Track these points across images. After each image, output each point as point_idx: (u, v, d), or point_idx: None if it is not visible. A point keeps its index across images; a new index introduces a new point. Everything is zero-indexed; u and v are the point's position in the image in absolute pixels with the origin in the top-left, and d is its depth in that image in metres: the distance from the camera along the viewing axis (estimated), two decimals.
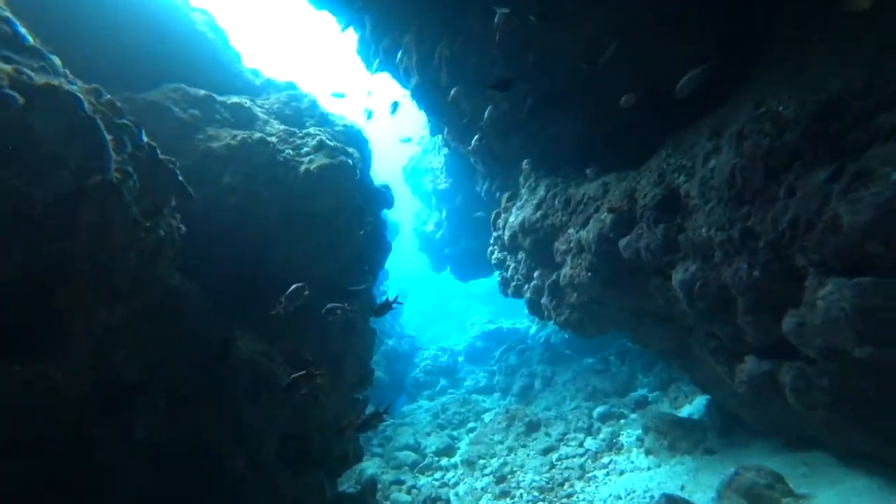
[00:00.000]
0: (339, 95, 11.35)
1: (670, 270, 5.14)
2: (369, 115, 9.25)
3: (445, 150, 14.14)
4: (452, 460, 11.73)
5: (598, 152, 6.83)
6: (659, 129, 5.89)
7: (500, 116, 6.70)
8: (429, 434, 13.22)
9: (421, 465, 11.67)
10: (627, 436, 10.25)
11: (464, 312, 36.87)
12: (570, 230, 6.94)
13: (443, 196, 15.17)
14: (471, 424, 14.25)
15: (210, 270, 5.00)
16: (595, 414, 12.02)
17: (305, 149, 5.54)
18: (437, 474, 11.13)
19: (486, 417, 13.46)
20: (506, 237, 8.56)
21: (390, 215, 22.24)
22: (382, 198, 8.28)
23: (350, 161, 6.00)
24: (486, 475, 10.07)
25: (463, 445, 12.70)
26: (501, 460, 10.30)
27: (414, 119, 18.20)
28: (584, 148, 6.96)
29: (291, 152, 5.41)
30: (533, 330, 22.33)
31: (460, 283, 24.18)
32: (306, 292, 4.67)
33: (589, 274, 6.35)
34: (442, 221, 16.40)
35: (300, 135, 5.75)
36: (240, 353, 4.94)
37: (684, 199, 4.96)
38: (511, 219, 8.32)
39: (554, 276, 7.64)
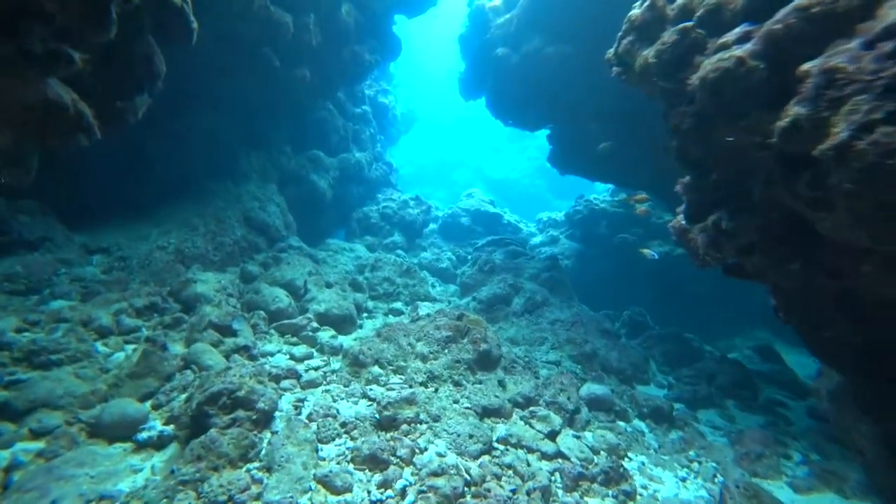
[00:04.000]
0: None
1: None
2: None
3: None
4: (337, 341, 7.01)
5: None
6: None
7: None
8: (330, 286, 8.37)
9: (286, 321, 6.92)
10: (642, 469, 5.53)
11: (466, 187, 31.08)
12: None
13: None
14: (397, 305, 9.46)
15: None
16: (584, 392, 7.26)
17: None
18: (298, 350, 6.41)
19: (424, 309, 8.56)
20: None
21: None
22: None
23: None
24: (370, 399, 5.38)
25: (366, 327, 7.98)
26: (409, 391, 5.54)
27: None
28: None
29: None
30: (538, 239, 17.13)
31: (480, 140, 17.97)
32: None
33: None
34: None
35: None
36: None
37: None
38: None
39: None
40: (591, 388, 7.41)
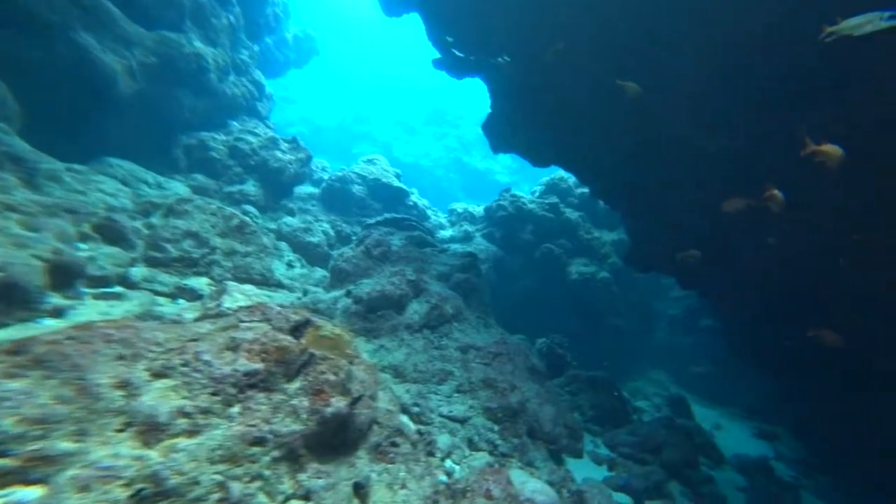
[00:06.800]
0: None
1: None
2: None
3: None
4: None
5: None
6: None
7: None
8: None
9: None
10: None
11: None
12: None
13: None
14: (197, 282, 5.26)
15: None
16: (516, 491, 3.91)
17: None
18: None
19: (239, 298, 4.40)
20: None
21: None
22: None
23: None
24: None
25: (87, 314, 3.62)
26: None
27: None
28: None
29: None
30: (447, 233, 13.87)
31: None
32: None
33: None
34: None
35: None
36: None
37: None
38: None
39: None
40: (524, 487, 4.10)
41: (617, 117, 6.31)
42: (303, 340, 3.28)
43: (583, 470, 6.34)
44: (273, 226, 9.51)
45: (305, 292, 6.98)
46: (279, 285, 6.27)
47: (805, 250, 5.22)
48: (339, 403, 2.97)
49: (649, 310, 14.62)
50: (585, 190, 14.49)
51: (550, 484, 4.92)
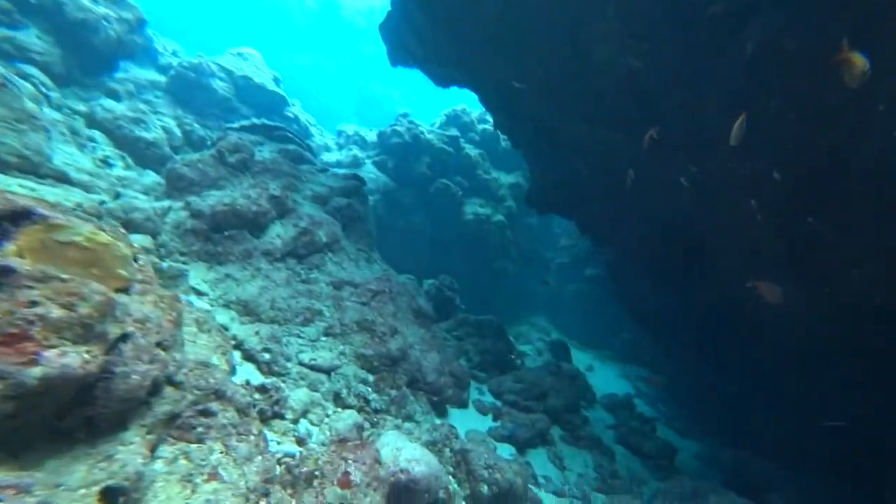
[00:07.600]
0: None
1: None
2: None
3: None
4: None
5: None
6: None
7: None
8: None
9: None
10: None
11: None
12: None
13: None
14: None
15: None
16: (388, 469, 3.02)
17: None
18: None
19: None
20: None
21: None
22: None
23: None
24: None
25: None
26: None
27: None
28: None
29: None
30: (334, 157, 12.08)
31: None
32: None
33: None
34: None
35: None
36: None
37: None
38: None
39: None
40: (398, 456, 3.21)
41: (534, 29, 5.26)
42: (7, 245, 1.76)
43: (468, 421, 5.83)
44: (82, 107, 6.92)
45: (117, 195, 5.01)
46: (61, 179, 4.26)
47: (716, 190, 4.91)
48: (66, 359, 1.61)
49: (539, 257, 14.79)
50: (488, 126, 13.65)
51: (432, 444, 4.19)
